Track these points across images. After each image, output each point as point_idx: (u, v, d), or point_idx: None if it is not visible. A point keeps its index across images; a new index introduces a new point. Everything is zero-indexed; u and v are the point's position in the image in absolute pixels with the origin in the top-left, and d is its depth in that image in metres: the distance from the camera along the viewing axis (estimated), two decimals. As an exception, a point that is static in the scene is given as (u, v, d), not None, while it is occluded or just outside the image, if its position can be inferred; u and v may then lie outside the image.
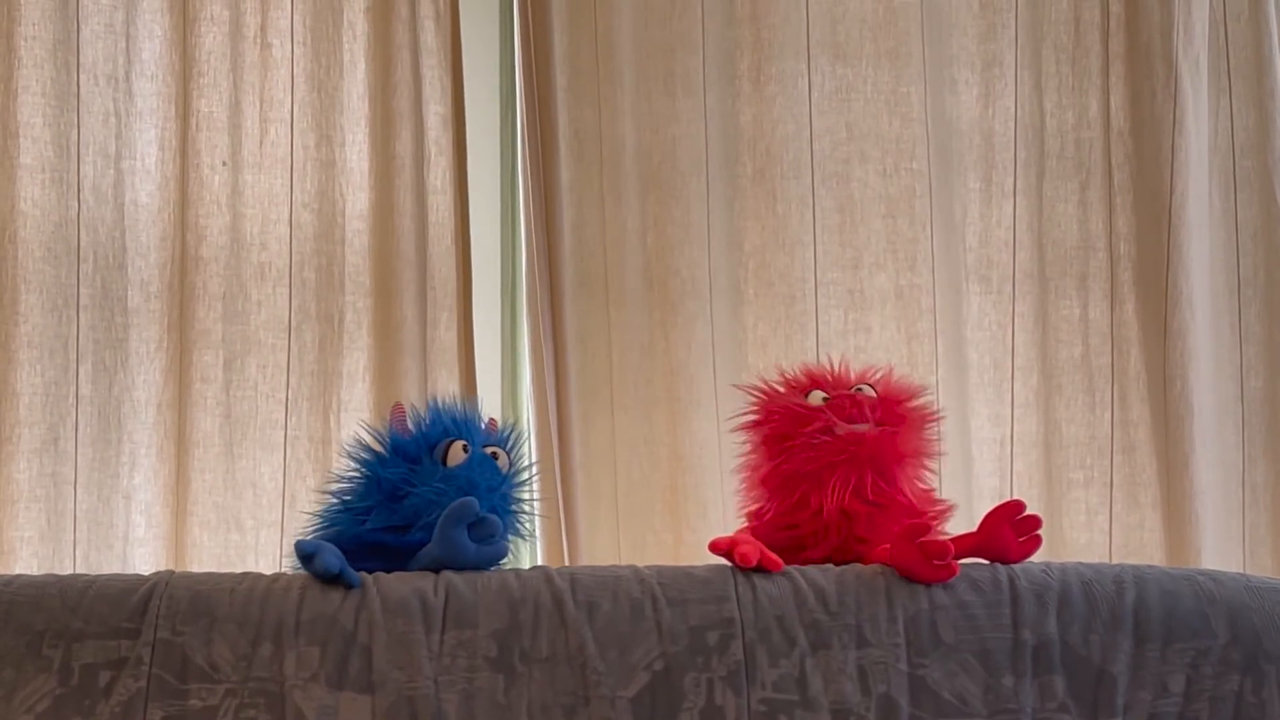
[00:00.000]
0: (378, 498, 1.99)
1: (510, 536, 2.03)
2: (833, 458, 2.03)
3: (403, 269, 2.55)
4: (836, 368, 2.16)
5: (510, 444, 2.07)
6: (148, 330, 2.53)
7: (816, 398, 2.09)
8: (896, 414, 2.08)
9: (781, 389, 2.14)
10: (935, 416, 2.13)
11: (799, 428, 2.05)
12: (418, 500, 1.97)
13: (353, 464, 2.03)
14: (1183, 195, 2.59)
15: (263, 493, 2.53)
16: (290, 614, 1.85)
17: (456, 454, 2.00)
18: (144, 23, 2.55)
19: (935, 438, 2.12)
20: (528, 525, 2.08)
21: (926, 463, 2.11)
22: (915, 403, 2.11)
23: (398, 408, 2.06)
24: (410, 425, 2.03)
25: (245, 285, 2.55)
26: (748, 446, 2.15)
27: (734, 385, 2.25)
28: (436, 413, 2.05)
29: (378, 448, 2.03)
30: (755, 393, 2.15)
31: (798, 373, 2.17)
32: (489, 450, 2.03)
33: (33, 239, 2.48)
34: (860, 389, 2.10)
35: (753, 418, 2.13)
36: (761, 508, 2.09)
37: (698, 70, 2.62)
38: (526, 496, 2.07)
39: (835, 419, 2.04)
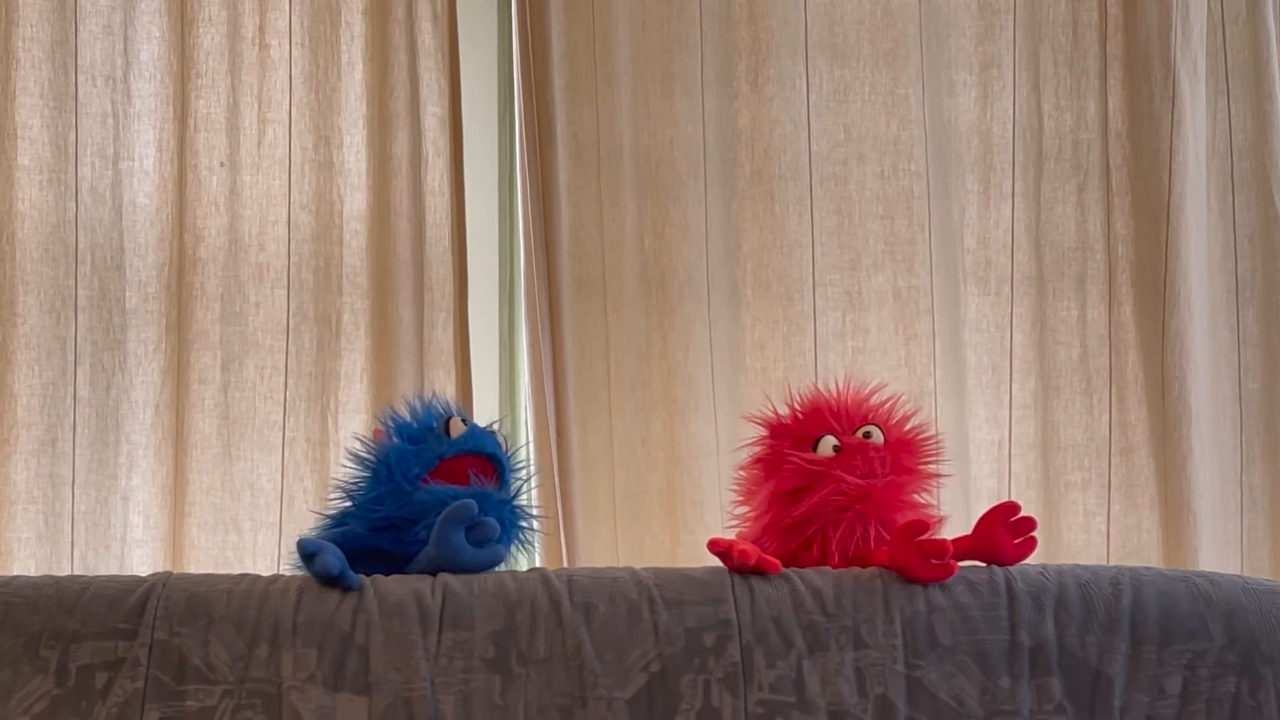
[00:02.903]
0: (389, 485, 1.99)
1: (512, 546, 2.04)
2: (838, 512, 2.04)
3: (400, 270, 2.55)
4: (842, 393, 2.14)
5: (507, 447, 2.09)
6: (145, 331, 2.53)
7: (827, 447, 2.08)
8: (903, 465, 2.08)
9: (789, 421, 2.14)
10: (940, 456, 2.13)
11: (811, 486, 2.05)
12: (428, 497, 1.97)
13: (358, 457, 2.03)
14: (1180, 197, 2.59)
15: (260, 494, 2.53)
16: (287, 615, 1.85)
17: (457, 426, 2.02)
18: (142, 24, 2.55)
19: (937, 472, 2.13)
20: (530, 538, 2.09)
21: (925, 498, 2.12)
22: (922, 451, 2.10)
23: (378, 432, 2.07)
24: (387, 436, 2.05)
25: (243, 286, 2.55)
26: (751, 484, 2.14)
27: (743, 418, 2.23)
28: (424, 403, 2.07)
29: (382, 437, 2.04)
30: (764, 426, 2.14)
31: (804, 402, 2.14)
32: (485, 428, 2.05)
33: (30, 240, 2.48)
34: (869, 433, 2.09)
35: (760, 466, 2.12)
36: (761, 543, 2.09)
37: (696, 71, 2.62)
38: (530, 508, 2.08)
39: (846, 476, 2.04)
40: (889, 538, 2.02)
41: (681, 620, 1.88)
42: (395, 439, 2.02)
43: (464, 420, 2.03)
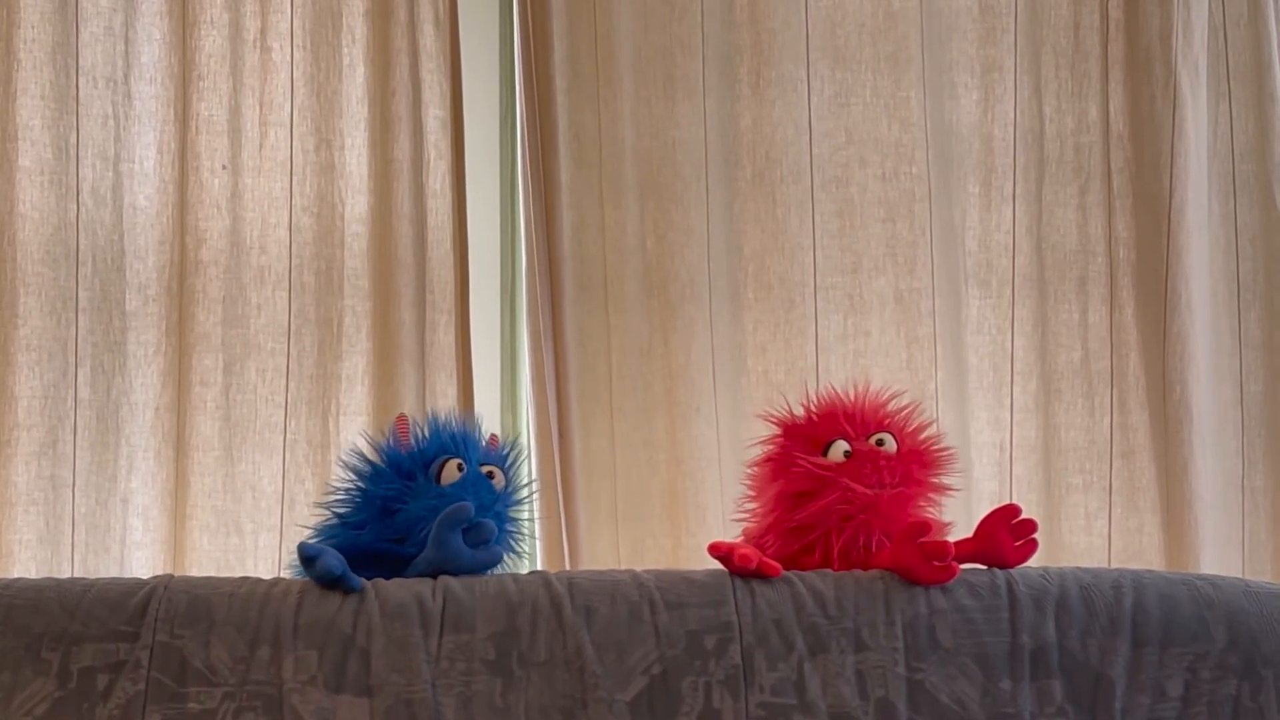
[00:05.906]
0: (371, 513, 2.00)
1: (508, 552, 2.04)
2: (842, 520, 2.04)
3: (401, 273, 2.55)
4: (858, 397, 2.13)
5: (509, 462, 2.07)
6: (146, 333, 2.53)
7: (838, 452, 2.07)
8: (913, 476, 2.07)
9: (802, 422, 2.13)
10: (951, 468, 2.12)
11: (818, 491, 2.05)
12: (409, 516, 1.97)
13: (347, 477, 2.03)
14: (1182, 200, 2.59)
15: (261, 496, 2.53)
16: (289, 618, 1.85)
17: (451, 473, 2.00)
18: (143, 26, 2.55)
19: (945, 486, 2.12)
20: (523, 544, 2.08)
21: (931, 510, 2.11)
22: (933, 463, 2.10)
23: (401, 420, 2.06)
24: (411, 439, 2.03)
25: (244, 289, 2.55)
26: (760, 482, 2.13)
27: (757, 415, 2.21)
28: (436, 429, 2.05)
29: (374, 459, 2.03)
30: (778, 425, 2.14)
31: (820, 404, 2.14)
32: (485, 470, 2.02)
33: (31, 242, 2.48)
34: (881, 440, 2.08)
35: (770, 465, 2.12)
36: (763, 542, 2.08)
37: (697, 74, 2.62)
38: (524, 515, 2.07)
39: (854, 485, 2.03)
40: (887, 544, 2.02)
41: (683, 622, 1.88)
42: (386, 467, 2.01)
43: (461, 466, 2.00)
